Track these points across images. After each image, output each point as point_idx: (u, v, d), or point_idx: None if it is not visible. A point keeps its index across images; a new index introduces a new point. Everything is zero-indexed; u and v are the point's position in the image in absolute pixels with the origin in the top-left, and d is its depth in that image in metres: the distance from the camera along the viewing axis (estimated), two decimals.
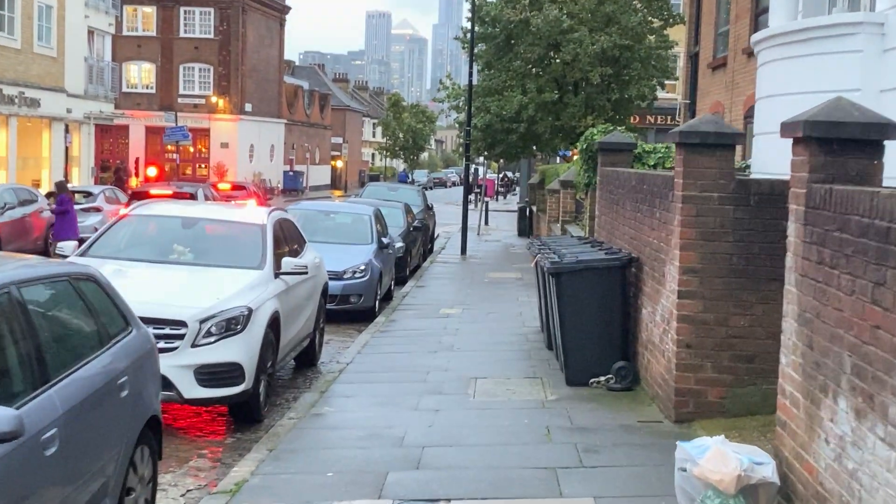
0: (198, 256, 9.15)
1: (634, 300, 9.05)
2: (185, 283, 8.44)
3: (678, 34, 31.23)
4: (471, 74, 25.90)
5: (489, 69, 29.87)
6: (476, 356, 10.81)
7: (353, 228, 15.97)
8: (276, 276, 9.06)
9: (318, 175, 72.01)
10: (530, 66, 28.73)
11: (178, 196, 22.01)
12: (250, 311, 8.10)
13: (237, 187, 29.43)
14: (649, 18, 29.29)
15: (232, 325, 7.95)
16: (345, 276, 14.30)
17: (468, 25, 28.30)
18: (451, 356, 10.77)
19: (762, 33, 9.96)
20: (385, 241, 15.86)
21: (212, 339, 7.84)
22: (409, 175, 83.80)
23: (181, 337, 7.74)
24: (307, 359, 10.79)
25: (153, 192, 22.36)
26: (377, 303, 14.86)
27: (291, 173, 63.10)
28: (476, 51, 28.98)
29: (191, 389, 7.74)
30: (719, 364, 7.27)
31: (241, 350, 7.94)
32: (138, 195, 22.22)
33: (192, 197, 22.14)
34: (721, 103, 20.31)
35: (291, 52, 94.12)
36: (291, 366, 10.72)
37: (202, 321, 7.83)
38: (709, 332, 7.27)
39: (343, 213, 16.62)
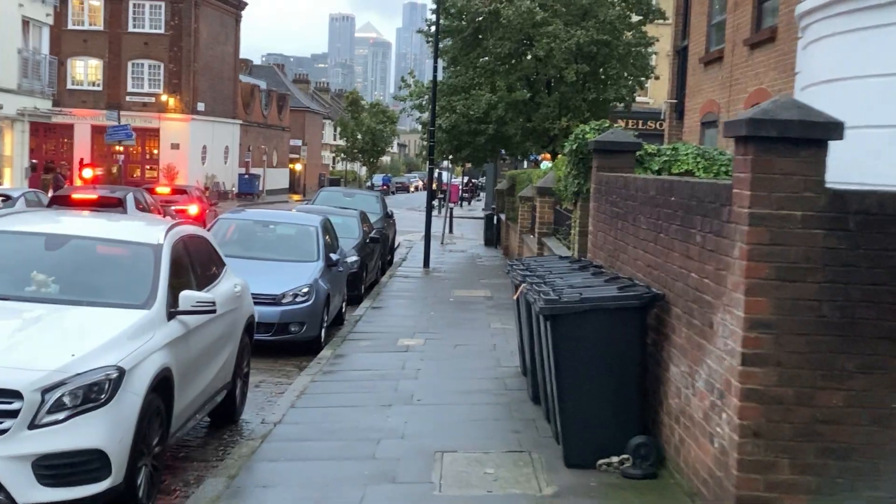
0: (63, 290, 6.66)
1: (657, 352, 6.73)
2: (30, 332, 5.96)
3: (656, 31, 29.17)
4: (435, 70, 23.53)
5: (455, 65, 27.57)
6: (442, 413, 8.42)
7: (296, 242, 13.51)
8: (171, 316, 6.62)
9: (276, 178, 69.20)
10: (500, 62, 26.47)
11: (102, 201, 19.39)
12: (122, 372, 5.66)
13: (177, 191, 26.75)
14: (627, 13, 27.18)
15: (92, 395, 5.51)
16: (283, 301, 11.87)
17: (433, 18, 26.02)
18: (409, 413, 8.38)
19: (812, 1, 7.76)
20: (334, 256, 13.43)
21: (61, 415, 5.40)
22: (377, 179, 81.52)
23: (13, 414, 5.29)
24: (225, 415, 8.36)
25: (75, 196, 19.71)
26: (323, 331, 12.43)
27: (247, 176, 60.30)
28: (441, 46, 26.67)
29: (28, 491, 5.29)
30: (801, 460, 4.96)
31: (106, 430, 5.50)
32: (57, 200, 19.58)
33: (120, 202, 19.52)
34: (716, 102, 18.15)
35: (253, 55, 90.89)
36: (206, 423, 8.28)
37: (46, 390, 5.38)
38: (786, 415, 4.96)
39: (284, 224, 14.12)
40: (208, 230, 13.52)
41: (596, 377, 6.59)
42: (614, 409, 6.60)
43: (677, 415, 6.19)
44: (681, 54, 21.80)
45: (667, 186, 6.67)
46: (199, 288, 7.42)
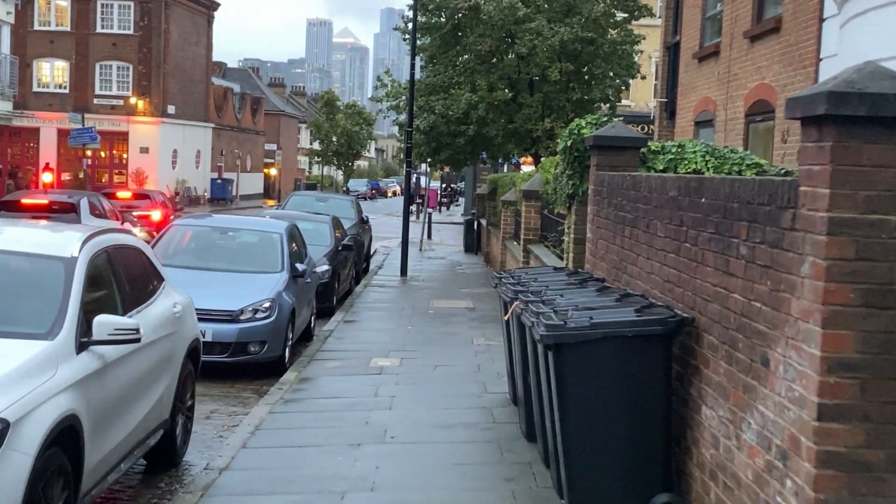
0: None
1: (684, 389, 5.50)
2: None
3: (639, 32, 28.09)
4: (413, 67, 22.29)
5: (434, 64, 26.35)
6: (420, 455, 7.16)
7: (258, 251, 12.19)
8: (83, 347, 5.33)
9: (250, 183, 67.70)
10: (480, 60, 25.27)
11: (54, 206, 18.08)
12: (5, 424, 4.38)
13: (140, 196, 25.33)
14: (612, 10, 26.08)
15: None
16: (242, 318, 10.57)
17: (410, 14, 24.80)
18: (382, 455, 7.11)
19: None
20: (301, 267, 12.13)
21: None
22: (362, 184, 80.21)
23: None
24: (163, 457, 7.07)
25: (25, 201, 18.34)
26: (287, 351, 11.14)
27: (220, 181, 58.76)
28: (419, 43, 25.46)
29: None
30: None
31: None
32: (6, 205, 18.19)
33: (73, 208, 18.16)
34: (711, 100, 17.02)
35: (229, 60, 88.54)
36: (142, 466, 7.00)
37: None
38: (877, 486, 3.74)
39: (245, 231, 12.77)
40: (159, 238, 12.23)
41: (610, 419, 5.36)
42: (633, 459, 5.37)
43: (713, 469, 4.96)
44: (672, 50, 20.68)
45: (695, 186, 5.44)
46: (127, 310, 6.14)
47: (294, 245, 12.83)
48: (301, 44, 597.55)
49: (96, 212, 19.17)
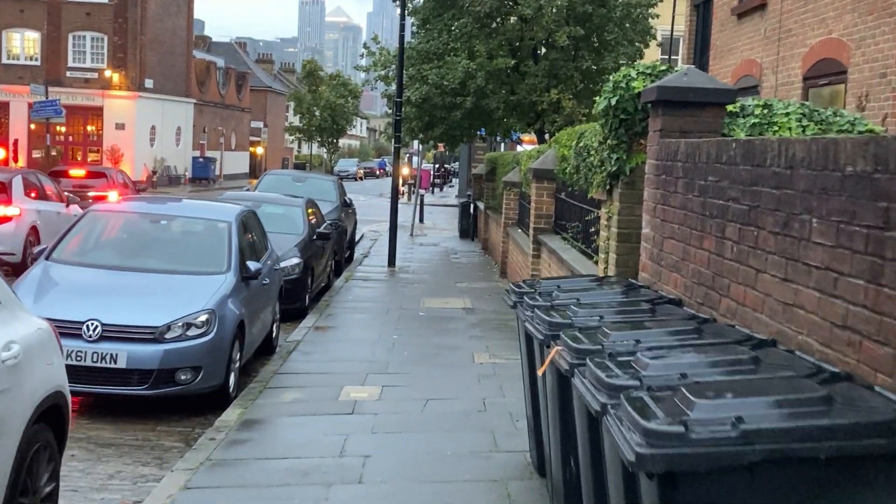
0: None
1: None
2: None
3: None
4: (402, 29, 19.53)
5: (427, 28, 23.56)
6: None
7: (198, 246, 9.44)
8: None
9: (235, 162, 64.80)
10: (479, 24, 22.49)
11: None
12: None
13: (95, 174, 22.51)
14: None
15: None
16: (168, 336, 7.86)
17: None
18: None
19: None
20: (254, 265, 9.40)
21: None
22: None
23: None
24: None
25: None
26: (233, 376, 8.45)
27: (202, 160, 55.88)
28: (410, 6, 22.72)
29: None
30: None
31: None
32: None
33: (3, 188, 15.42)
34: (756, 62, 14.33)
35: (221, 39, 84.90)
36: None
37: None
38: None
39: (183, 219, 9.95)
40: (70, 227, 9.53)
41: None
42: None
43: None
44: (701, 9, 17.98)
45: None
46: None
47: (249, 236, 10.14)
48: (293, 23, 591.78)
49: (33, 192, 16.43)
